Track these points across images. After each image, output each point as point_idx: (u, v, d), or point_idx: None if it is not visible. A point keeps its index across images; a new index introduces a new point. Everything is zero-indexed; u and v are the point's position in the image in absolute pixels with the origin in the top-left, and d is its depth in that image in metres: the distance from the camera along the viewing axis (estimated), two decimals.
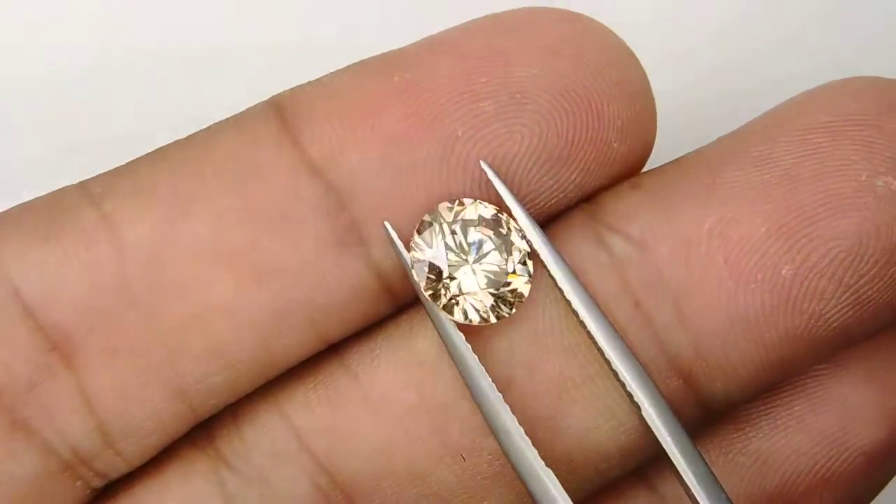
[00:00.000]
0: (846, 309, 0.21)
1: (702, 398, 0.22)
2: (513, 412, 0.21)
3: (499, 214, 0.21)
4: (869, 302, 0.21)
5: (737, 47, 0.29)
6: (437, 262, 0.21)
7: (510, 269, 0.21)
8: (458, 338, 0.21)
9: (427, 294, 0.21)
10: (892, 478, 0.24)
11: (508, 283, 0.21)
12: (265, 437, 0.22)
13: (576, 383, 0.21)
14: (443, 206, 0.21)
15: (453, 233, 0.21)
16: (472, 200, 0.21)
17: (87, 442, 0.20)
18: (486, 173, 0.21)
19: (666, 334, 0.21)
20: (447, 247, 0.21)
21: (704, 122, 0.23)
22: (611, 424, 0.21)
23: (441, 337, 0.21)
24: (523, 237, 0.21)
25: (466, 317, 0.21)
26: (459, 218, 0.21)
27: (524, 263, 0.21)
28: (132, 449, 0.21)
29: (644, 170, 0.23)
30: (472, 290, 0.21)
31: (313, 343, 0.21)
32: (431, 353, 0.21)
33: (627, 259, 0.21)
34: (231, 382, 0.21)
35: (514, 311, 0.21)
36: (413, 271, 0.21)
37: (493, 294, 0.21)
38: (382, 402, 0.22)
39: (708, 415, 0.22)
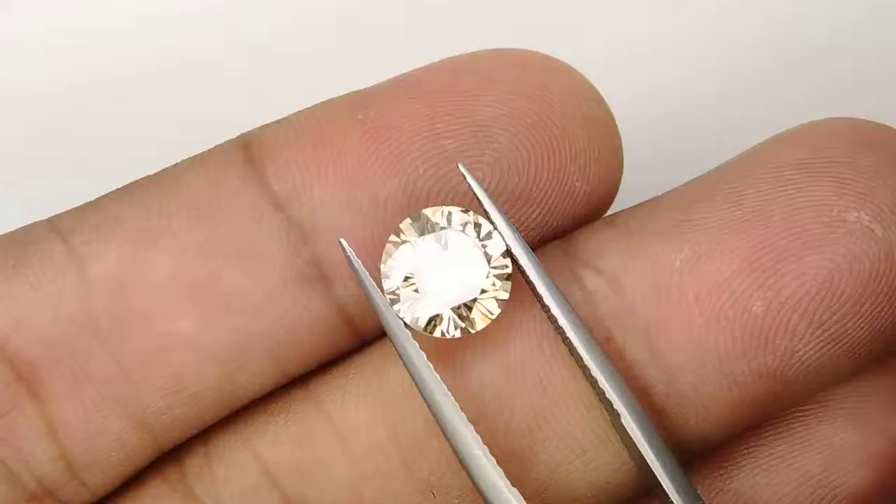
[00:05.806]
0: (819, 346, 0.20)
1: (676, 436, 0.21)
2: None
3: (473, 218, 0.20)
4: (843, 339, 0.20)
5: (712, 86, 0.29)
6: (402, 281, 0.20)
7: (485, 281, 0.20)
8: (428, 369, 0.20)
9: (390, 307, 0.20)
10: None
11: (480, 295, 0.20)
12: (235, 473, 0.22)
13: (546, 419, 0.21)
14: (406, 224, 0.20)
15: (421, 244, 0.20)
16: (434, 209, 0.20)
17: (53, 472, 0.21)
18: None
19: (638, 369, 0.21)
20: (414, 262, 0.20)
21: (680, 165, 0.23)
22: (582, 461, 0.21)
23: (407, 367, 0.20)
24: (505, 254, 0.20)
25: (431, 330, 0.20)
26: (427, 227, 0.20)
27: (502, 277, 0.21)
28: (97, 479, 0.21)
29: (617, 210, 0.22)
30: (440, 301, 0.20)
31: (276, 376, 0.21)
32: (402, 388, 0.21)
33: (599, 293, 0.21)
34: (194, 414, 0.21)
35: (483, 326, 0.20)
36: (378, 298, 0.20)
37: (461, 309, 0.20)
38: (353, 438, 0.22)
39: (684, 455, 0.22)
